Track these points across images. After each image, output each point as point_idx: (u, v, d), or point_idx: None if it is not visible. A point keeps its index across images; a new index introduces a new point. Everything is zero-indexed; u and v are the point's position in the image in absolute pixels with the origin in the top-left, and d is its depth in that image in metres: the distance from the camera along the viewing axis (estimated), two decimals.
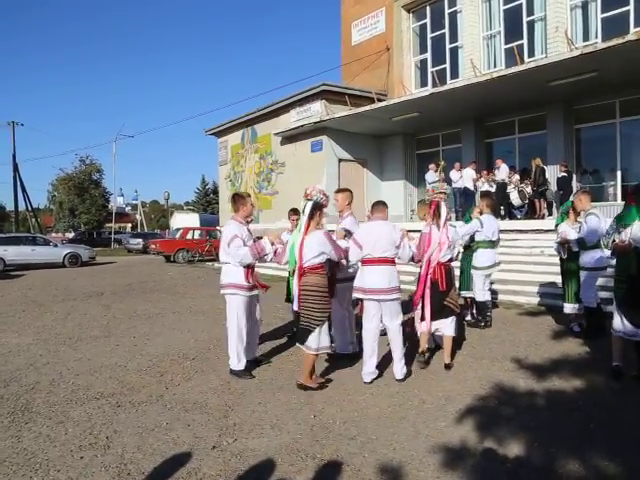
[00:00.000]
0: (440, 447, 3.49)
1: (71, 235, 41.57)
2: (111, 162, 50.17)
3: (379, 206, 5.18)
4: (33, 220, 40.26)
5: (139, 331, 7.52)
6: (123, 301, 10.56)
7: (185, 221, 31.31)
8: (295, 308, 4.86)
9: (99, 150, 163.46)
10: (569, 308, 6.70)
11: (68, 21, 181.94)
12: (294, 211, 6.48)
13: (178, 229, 24.60)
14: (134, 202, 70.95)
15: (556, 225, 7.01)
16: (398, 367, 4.99)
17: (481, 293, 7.29)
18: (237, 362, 5.18)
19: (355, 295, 5.15)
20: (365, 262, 4.96)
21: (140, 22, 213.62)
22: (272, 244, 5.24)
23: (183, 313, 9.07)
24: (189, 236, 22.69)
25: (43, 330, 7.69)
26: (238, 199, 5.40)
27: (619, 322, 4.76)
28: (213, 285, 12.92)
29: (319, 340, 4.68)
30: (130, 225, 66.90)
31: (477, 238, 7.28)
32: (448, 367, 5.30)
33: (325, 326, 4.76)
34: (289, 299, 6.07)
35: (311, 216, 4.78)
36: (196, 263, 20.99)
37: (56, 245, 20.70)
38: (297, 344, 4.97)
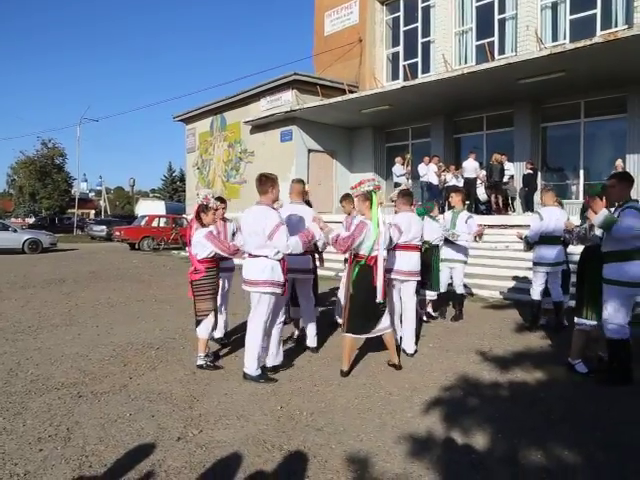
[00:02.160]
0: (406, 438, 3.51)
1: (31, 220, 40.32)
2: (75, 146, 48.81)
3: (408, 197, 5.88)
4: None
5: (102, 320, 7.35)
6: (86, 289, 10.30)
7: (151, 208, 30.74)
8: (380, 298, 4.70)
9: (62, 134, 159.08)
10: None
11: (34, 9, 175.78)
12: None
13: (143, 216, 24.14)
14: (98, 188, 69.22)
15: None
16: (411, 342, 5.58)
17: (462, 286, 7.45)
18: (256, 367, 4.68)
19: (393, 276, 5.54)
20: (403, 247, 5.50)
21: (108, 10, 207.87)
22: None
23: (148, 302, 8.90)
24: (154, 224, 22.29)
25: (0, 318, 7.43)
26: (266, 180, 4.76)
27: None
28: (179, 274, 12.73)
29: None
30: (94, 211, 65.29)
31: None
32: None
33: None
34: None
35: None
36: (161, 251, 20.65)
37: (15, 230, 20.03)
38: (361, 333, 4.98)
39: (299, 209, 5.50)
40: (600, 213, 4.40)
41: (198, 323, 5.09)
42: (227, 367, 5.09)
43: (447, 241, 7.20)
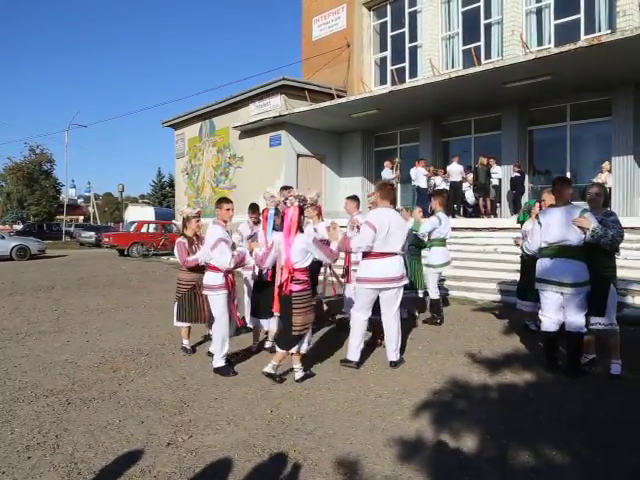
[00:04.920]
0: (396, 440, 3.53)
1: (19, 227, 39.98)
2: (63, 152, 48.72)
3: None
4: None
5: (91, 326, 7.31)
6: (75, 295, 10.24)
7: (140, 214, 30.61)
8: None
9: (51, 140, 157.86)
10: (525, 305, 6.83)
11: (23, 14, 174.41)
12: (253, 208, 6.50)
13: (132, 222, 24.04)
14: (87, 194, 68.87)
15: (519, 222, 7.16)
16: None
17: (435, 291, 7.42)
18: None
19: None
20: None
21: (97, 16, 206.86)
22: None
23: (137, 308, 8.86)
24: (144, 230, 22.21)
25: None
26: (391, 189, 5.39)
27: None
28: (168, 280, 12.68)
29: None
30: (82, 218, 64.91)
31: (432, 236, 7.32)
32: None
33: None
34: None
35: None
36: (151, 257, 20.56)
37: (3, 237, 19.83)
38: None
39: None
40: None
41: (294, 338, 4.64)
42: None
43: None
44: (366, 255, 5.14)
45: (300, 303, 4.64)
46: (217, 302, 5.11)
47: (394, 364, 5.23)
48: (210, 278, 5.13)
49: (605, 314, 4.77)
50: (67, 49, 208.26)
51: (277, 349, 4.81)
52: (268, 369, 4.78)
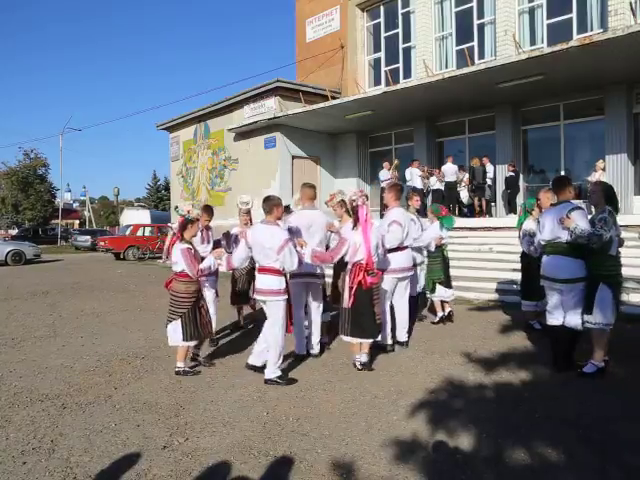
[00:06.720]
0: (392, 441, 3.53)
1: (14, 232, 39.82)
2: (58, 156, 48.59)
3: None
4: None
5: (87, 330, 7.29)
6: (70, 300, 10.21)
7: (135, 218, 30.54)
8: None
9: (45, 144, 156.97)
10: (529, 305, 6.77)
11: (17, 7, 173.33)
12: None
13: (128, 226, 24.00)
14: (82, 198, 68.51)
15: (520, 223, 7.02)
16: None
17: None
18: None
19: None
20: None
21: (85, 11, 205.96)
22: None
23: (133, 311, 8.85)
24: (139, 233, 22.19)
25: None
26: (401, 189, 6.02)
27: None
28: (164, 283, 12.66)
29: None
30: (78, 222, 64.62)
31: None
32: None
33: None
34: None
35: None
36: (147, 260, 20.53)
37: None
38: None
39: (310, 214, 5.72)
40: None
41: (378, 327, 5.17)
42: (213, 374, 5.09)
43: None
44: (390, 250, 5.66)
45: (377, 294, 5.16)
46: (279, 307, 4.75)
47: (405, 344, 6.02)
48: (273, 282, 4.70)
49: (593, 312, 4.71)
50: (65, 43, 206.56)
51: (360, 341, 5.11)
52: (363, 359, 5.17)
